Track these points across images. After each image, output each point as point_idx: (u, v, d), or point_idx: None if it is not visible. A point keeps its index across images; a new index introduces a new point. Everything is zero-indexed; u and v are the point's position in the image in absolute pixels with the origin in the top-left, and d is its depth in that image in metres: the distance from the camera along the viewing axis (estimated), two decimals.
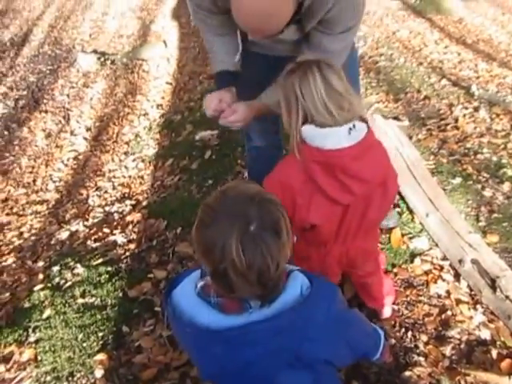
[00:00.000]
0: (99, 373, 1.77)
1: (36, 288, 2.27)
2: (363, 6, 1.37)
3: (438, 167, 2.56)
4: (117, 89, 5.40)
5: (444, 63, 4.16)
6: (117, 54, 6.15)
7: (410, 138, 2.87)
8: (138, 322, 1.95)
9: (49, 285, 2.28)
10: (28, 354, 1.90)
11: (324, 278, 0.96)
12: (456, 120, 3.04)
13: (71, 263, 2.42)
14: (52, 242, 2.87)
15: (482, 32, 4.97)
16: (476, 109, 3.16)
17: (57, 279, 2.30)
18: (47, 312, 2.07)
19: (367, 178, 1.20)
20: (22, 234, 3.19)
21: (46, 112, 5.22)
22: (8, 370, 1.86)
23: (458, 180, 2.44)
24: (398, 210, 2.23)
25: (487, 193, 2.35)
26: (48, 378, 1.80)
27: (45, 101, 5.46)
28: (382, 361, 1.44)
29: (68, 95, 5.50)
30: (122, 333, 1.92)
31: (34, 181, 4.06)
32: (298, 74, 1.14)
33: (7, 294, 2.35)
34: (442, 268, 1.95)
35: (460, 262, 1.87)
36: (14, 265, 2.74)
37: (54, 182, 3.94)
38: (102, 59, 5.96)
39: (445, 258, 1.98)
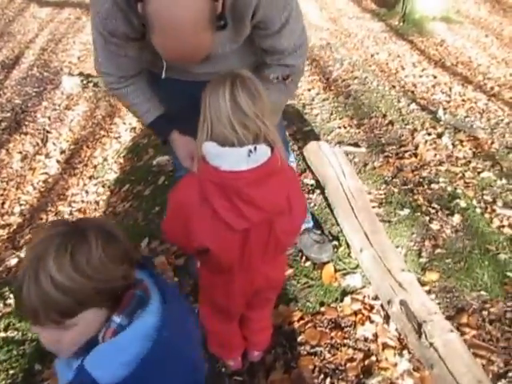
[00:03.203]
0: None
1: None
2: None
3: (388, 197, 2.46)
4: (97, 111, 5.38)
5: (417, 87, 4.08)
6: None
7: (366, 165, 2.78)
8: (52, 359, 1.86)
9: None
10: None
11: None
12: (416, 147, 2.94)
13: (6, 293, 2.34)
14: (0, 269, 2.80)
15: (463, 54, 4.88)
16: (439, 135, 3.07)
17: None
18: None
19: (264, 206, 1.13)
20: None
21: (26, 134, 5.20)
22: None
23: (405, 211, 2.33)
24: (334, 243, 2.13)
25: (434, 226, 2.24)
26: None
27: (26, 123, 5.45)
28: None
29: (49, 117, 5.50)
30: (34, 371, 1.84)
31: (3, 204, 4.00)
32: (212, 85, 1.11)
33: None
34: (372, 308, 1.84)
35: (389, 302, 1.75)
36: None
37: (21, 205, 3.89)
38: (85, 82, 5.96)
39: (377, 298, 1.87)
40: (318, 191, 2.53)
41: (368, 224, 2.02)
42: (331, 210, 2.27)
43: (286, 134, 1.98)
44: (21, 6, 9.19)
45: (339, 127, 3.35)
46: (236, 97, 1.06)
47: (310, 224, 2.16)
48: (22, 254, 2.84)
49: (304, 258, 2.10)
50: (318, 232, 2.14)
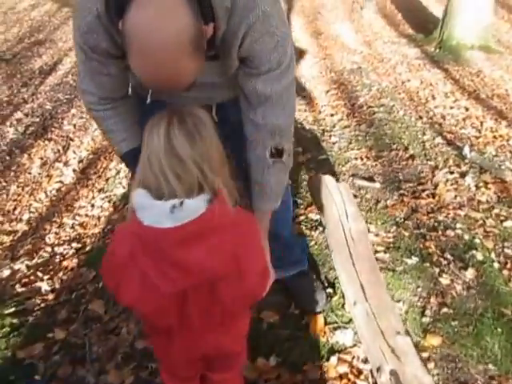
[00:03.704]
0: None
1: None
2: (285, 35, 1.14)
3: (397, 242, 2.25)
4: None
5: (446, 119, 3.83)
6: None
7: (378, 202, 2.58)
8: None
9: None
10: None
11: None
12: (435, 186, 2.72)
13: None
14: None
15: (499, 87, 4.60)
16: (463, 174, 2.83)
17: None
18: None
19: (195, 270, 0.96)
20: None
21: (50, 140, 5.24)
22: None
23: (413, 260, 2.12)
24: (329, 291, 1.94)
25: (444, 280, 2.01)
26: None
27: (52, 129, 5.50)
28: None
29: (75, 125, 5.54)
30: None
31: (15, 209, 3.99)
32: (150, 123, 0.97)
33: None
34: (359, 373, 1.63)
35: (378, 370, 1.55)
36: None
37: (31, 212, 3.86)
38: None
39: (367, 361, 1.66)
40: (320, 228, 2.35)
41: (366, 274, 1.82)
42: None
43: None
44: (67, 14, 9.48)
45: (356, 158, 3.16)
46: (171, 139, 0.91)
47: (305, 267, 1.98)
48: (17, 266, 2.78)
49: (293, 303, 1.92)
50: (313, 277, 1.96)
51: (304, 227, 2.39)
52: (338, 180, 2.79)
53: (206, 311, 1.07)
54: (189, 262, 0.94)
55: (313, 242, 2.27)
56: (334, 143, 3.46)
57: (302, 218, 2.47)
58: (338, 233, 2.00)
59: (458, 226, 2.35)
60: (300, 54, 6.06)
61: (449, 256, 2.14)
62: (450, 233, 2.30)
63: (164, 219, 0.91)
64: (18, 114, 5.84)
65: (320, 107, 4.37)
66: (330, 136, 3.62)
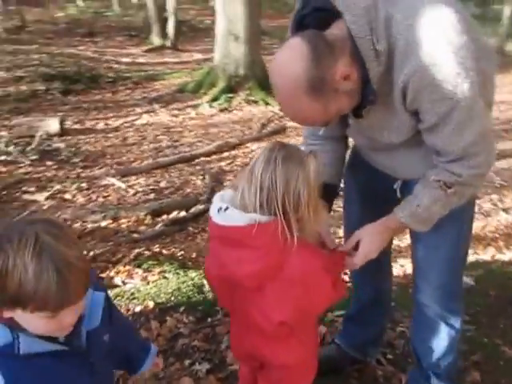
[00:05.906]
0: None
1: None
2: (456, 86, 1.05)
3: None
4: None
5: None
6: None
7: None
8: None
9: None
10: None
11: None
12: None
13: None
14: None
15: None
16: None
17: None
18: None
19: (225, 267, 1.16)
20: None
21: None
22: None
23: None
24: None
25: None
26: None
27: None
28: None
29: None
30: None
31: None
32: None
33: None
34: None
35: None
36: None
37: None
38: None
39: None
40: None
41: None
42: None
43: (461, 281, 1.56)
44: None
45: None
46: (257, 160, 1.11)
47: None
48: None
49: None
50: None
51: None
52: None
53: (246, 311, 1.19)
54: (223, 258, 1.15)
55: None
56: None
57: None
58: None
59: None
60: None
61: None
62: None
63: (215, 215, 1.14)
64: None
65: None
66: None
